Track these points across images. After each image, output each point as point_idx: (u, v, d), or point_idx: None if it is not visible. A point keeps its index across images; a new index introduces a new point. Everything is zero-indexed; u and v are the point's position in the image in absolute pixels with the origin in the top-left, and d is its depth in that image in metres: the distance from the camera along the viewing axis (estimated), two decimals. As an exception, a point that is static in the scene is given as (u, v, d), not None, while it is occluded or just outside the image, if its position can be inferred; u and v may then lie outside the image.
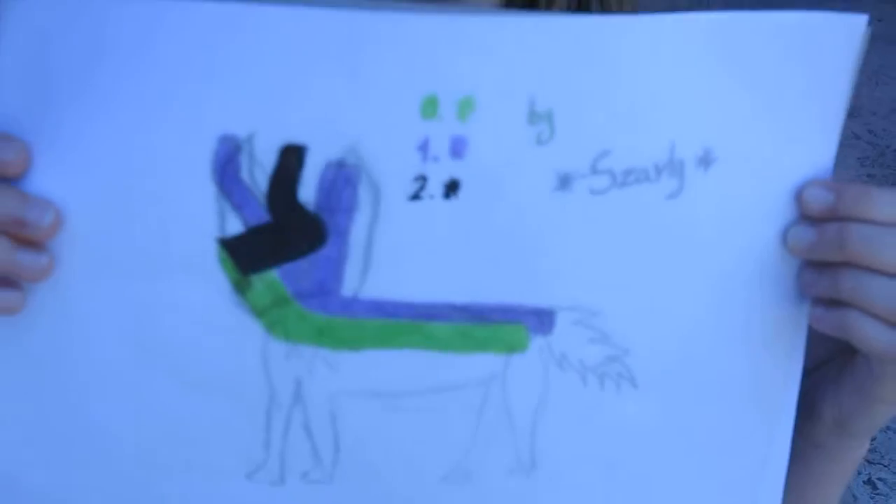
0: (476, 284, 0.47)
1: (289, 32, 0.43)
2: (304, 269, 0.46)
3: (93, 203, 0.44)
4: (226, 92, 0.43)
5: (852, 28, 0.48)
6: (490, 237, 0.47)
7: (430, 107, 0.44)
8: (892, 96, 3.10)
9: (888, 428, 1.88)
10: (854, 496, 1.74)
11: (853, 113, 3.11)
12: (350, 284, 0.46)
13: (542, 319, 0.48)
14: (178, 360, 0.47)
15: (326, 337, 0.47)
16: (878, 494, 1.76)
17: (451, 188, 0.46)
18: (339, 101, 0.43)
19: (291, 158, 0.44)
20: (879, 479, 1.78)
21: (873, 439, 1.83)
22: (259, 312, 0.46)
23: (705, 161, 0.47)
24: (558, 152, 0.46)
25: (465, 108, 0.44)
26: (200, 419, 0.48)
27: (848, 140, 2.87)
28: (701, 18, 0.46)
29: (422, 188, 0.45)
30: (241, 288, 0.46)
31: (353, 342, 0.47)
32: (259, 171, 0.44)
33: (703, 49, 0.46)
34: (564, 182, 0.46)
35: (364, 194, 0.45)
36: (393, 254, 0.46)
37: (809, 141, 0.49)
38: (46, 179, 0.44)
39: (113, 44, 0.42)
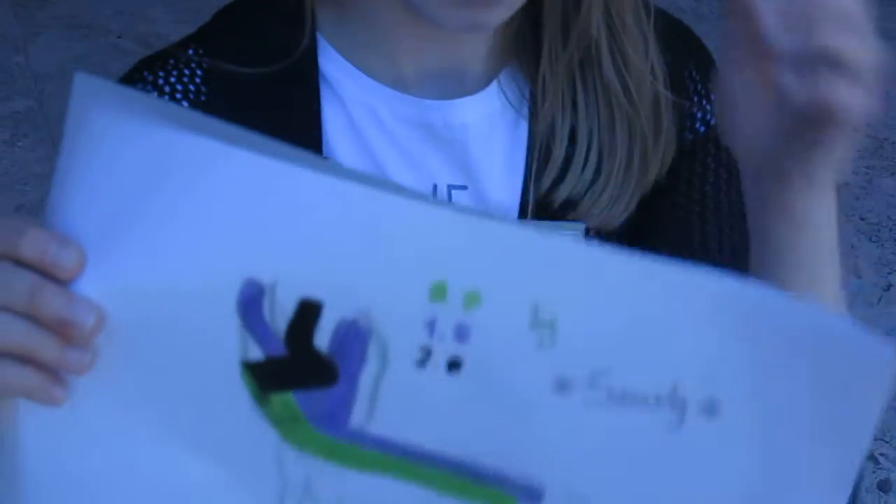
0: (472, 448, 0.50)
1: (320, 198, 0.46)
2: (317, 397, 0.49)
3: (136, 314, 0.48)
4: (256, 240, 0.47)
5: (879, 355, 0.47)
6: (486, 416, 0.49)
7: (439, 292, 0.47)
8: (889, 89, 3.15)
9: (891, 407, 1.95)
10: (857, 471, 1.81)
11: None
12: (357, 419, 0.49)
13: (530, 494, 0.50)
14: (204, 452, 0.51)
15: (335, 456, 0.50)
16: (879, 469, 1.82)
17: (454, 365, 0.48)
18: (358, 268, 0.47)
19: (309, 311, 0.48)
20: (881, 454, 1.85)
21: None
22: (276, 423, 0.50)
23: (709, 409, 0.48)
24: (558, 359, 0.48)
25: (471, 301, 0.47)
26: (223, 501, 0.52)
27: (846, 133, 2.89)
28: (726, 288, 0.47)
29: (427, 358, 0.48)
30: (260, 402, 0.49)
31: (357, 465, 0.50)
32: (280, 315, 0.48)
33: (716, 312, 0.47)
34: (562, 386, 0.48)
35: (373, 351, 0.48)
36: (397, 406, 0.49)
37: (830, 432, 0.49)
38: (96, 286, 0.47)
39: (167, 176, 0.47)
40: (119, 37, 3.34)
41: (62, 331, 0.47)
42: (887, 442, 1.87)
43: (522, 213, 0.69)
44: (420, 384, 0.48)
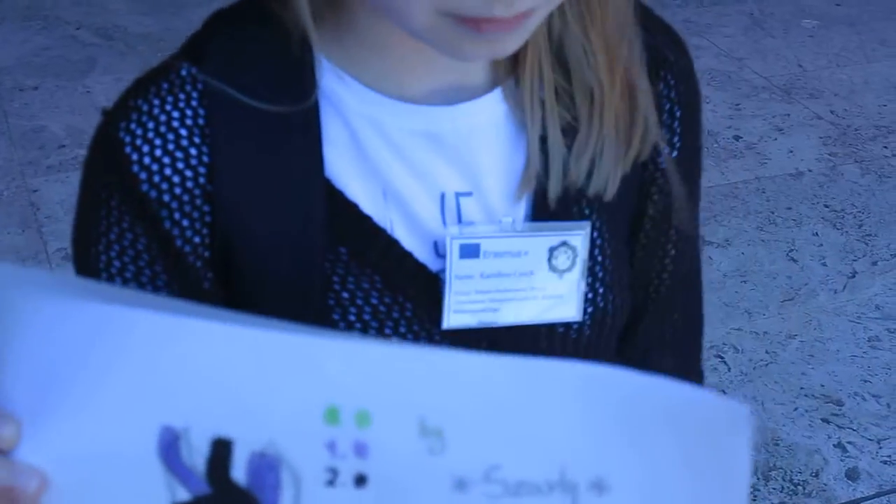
0: None
1: (214, 344, 0.51)
2: None
3: (73, 474, 0.52)
4: (166, 390, 0.51)
5: (736, 415, 0.52)
6: None
7: (332, 415, 0.51)
8: (852, 78, 3.18)
9: (855, 394, 1.96)
10: (825, 459, 1.82)
11: (815, 95, 3.19)
12: None
13: None
14: None
15: None
16: (847, 457, 1.83)
17: (360, 480, 0.52)
18: (257, 403, 0.51)
19: (221, 449, 0.52)
20: (849, 442, 1.86)
21: (842, 405, 1.89)
22: None
23: (598, 487, 0.52)
24: (451, 462, 0.51)
25: (363, 420, 0.51)
26: None
27: (810, 121, 2.94)
28: (591, 372, 0.52)
29: (335, 478, 0.52)
30: None
31: None
32: (197, 456, 0.52)
33: (588, 398, 0.51)
34: (460, 486, 0.52)
35: (286, 478, 0.52)
36: None
37: (710, 496, 0.53)
38: (35, 451, 0.52)
39: (84, 344, 0.52)
40: (78, 28, 3.30)
41: (8, 497, 0.51)
42: (855, 430, 1.89)
43: (528, 217, 0.69)
44: (335, 502, 0.52)
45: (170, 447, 0.52)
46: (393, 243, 0.67)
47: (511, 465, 0.51)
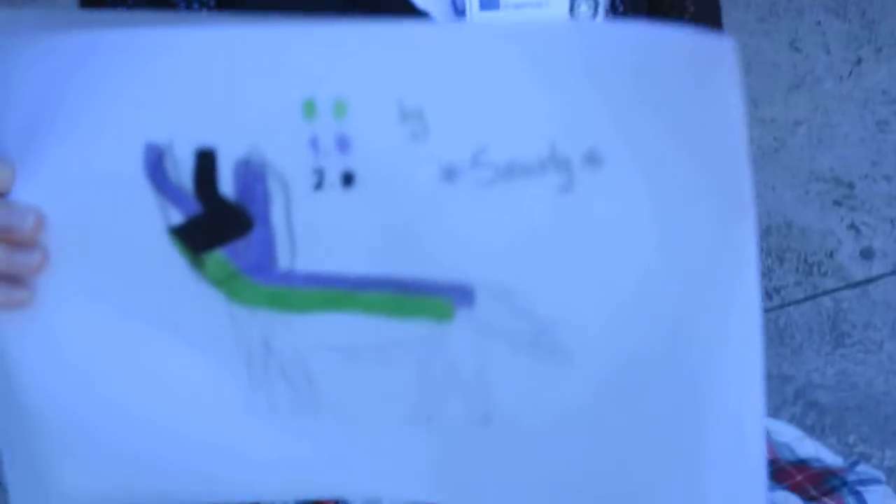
0: (392, 260, 0.51)
1: (186, 50, 0.49)
2: (242, 248, 0.52)
3: (70, 207, 0.52)
4: (145, 106, 0.50)
5: (721, 51, 0.46)
6: (392, 222, 0.50)
7: (309, 109, 0.48)
8: None
9: (866, 175, 1.93)
10: (839, 240, 1.80)
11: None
12: (284, 260, 0.52)
13: (462, 294, 0.51)
14: (166, 326, 0.54)
15: (277, 303, 0.53)
16: (861, 237, 1.81)
17: (348, 179, 0.50)
18: (235, 108, 0.49)
19: (206, 161, 0.50)
20: (862, 223, 1.83)
21: (853, 187, 1.86)
22: (217, 284, 0.53)
23: (592, 160, 0.48)
24: (436, 147, 0.48)
25: (340, 109, 0.48)
26: (194, 369, 0.55)
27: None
28: (568, 27, 0.49)
29: (322, 179, 0.50)
30: (196, 265, 0.52)
31: (297, 308, 0.53)
32: (184, 172, 0.50)
33: (573, 56, 0.47)
34: (449, 174, 0.49)
35: (274, 187, 0.50)
36: (313, 235, 0.51)
37: (707, 148, 0.48)
38: (31, 190, 0.52)
39: (65, 73, 0.50)
40: None
41: (7, 238, 0.52)
42: (867, 211, 1.86)
43: None
44: (325, 206, 0.50)
45: (156, 166, 0.50)
46: (407, 4, 0.64)
47: (499, 146, 0.48)
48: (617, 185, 0.48)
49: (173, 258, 0.52)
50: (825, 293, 1.72)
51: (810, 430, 1.48)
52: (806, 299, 1.73)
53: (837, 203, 1.88)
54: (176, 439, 0.56)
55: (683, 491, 0.54)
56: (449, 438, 0.55)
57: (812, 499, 0.84)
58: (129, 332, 0.54)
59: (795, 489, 0.85)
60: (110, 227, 0.52)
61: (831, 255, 1.79)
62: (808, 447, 0.90)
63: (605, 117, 0.47)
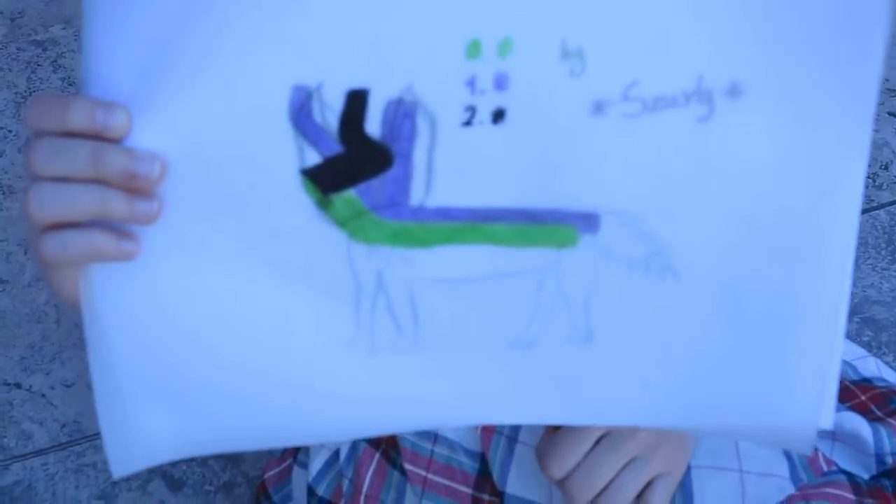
0: (527, 192, 0.53)
1: None
2: (376, 186, 0.53)
3: (191, 152, 0.51)
4: (294, 47, 0.50)
5: None
6: (536, 155, 0.52)
7: (474, 49, 0.50)
8: None
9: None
10: (894, 152, 1.76)
11: None
12: (416, 196, 0.53)
13: (588, 221, 0.54)
14: (278, 267, 0.54)
15: (400, 239, 0.54)
16: (893, 99, 1.77)
17: (499, 116, 0.51)
18: (394, 48, 0.50)
19: (357, 101, 0.51)
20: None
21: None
22: (341, 223, 0.54)
23: (733, 92, 0.51)
24: (591, 83, 0.51)
25: (505, 48, 0.50)
26: (301, 308, 0.55)
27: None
28: None
29: (472, 116, 0.51)
30: (323, 206, 0.53)
31: (423, 241, 0.54)
32: (329, 113, 0.51)
33: None
34: (598, 108, 0.51)
35: (422, 124, 0.51)
36: (452, 170, 0.52)
37: (846, 77, 0.51)
38: (148, 136, 0.51)
39: (193, 11, 0.49)
40: None
41: (130, 185, 0.50)
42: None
43: None
44: (470, 143, 0.52)
45: (301, 108, 0.51)
46: None
47: (649, 80, 0.51)
48: (753, 115, 0.51)
49: (299, 200, 0.53)
50: (880, 206, 1.68)
51: (867, 347, 1.46)
52: (861, 213, 1.70)
53: (892, 115, 1.84)
54: (270, 380, 0.57)
55: (770, 398, 0.58)
56: (550, 359, 0.58)
57: (876, 419, 0.82)
58: (235, 278, 0.55)
59: (858, 408, 0.84)
60: (234, 172, 0.52)
61: (886, 167, 1.75)
62: (870, 366, 0.89)
63: (753, 48, 0.50)
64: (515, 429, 0.78)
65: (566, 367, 0.58)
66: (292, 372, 0.57)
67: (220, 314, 0.55)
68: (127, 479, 1.34)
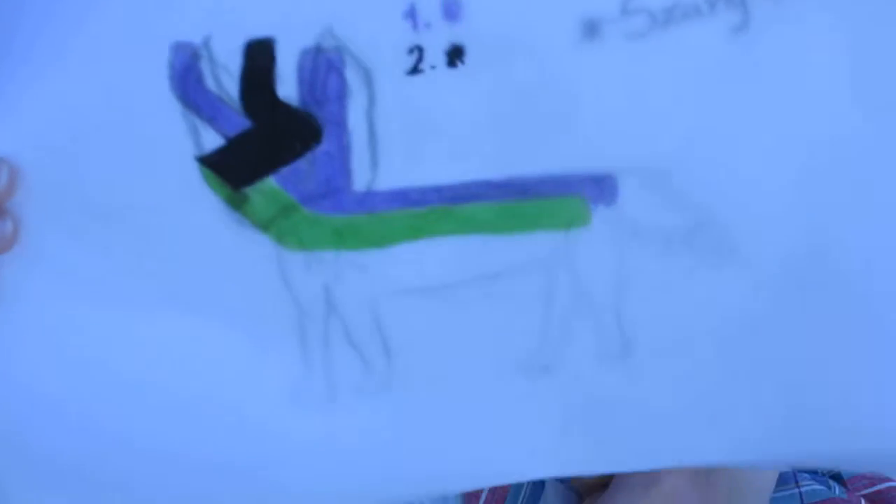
0: (511, 157, 0.43)
1: None
2: (304, 170, 0.43)
3: (53, 151, 0.43)
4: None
5: None
6: (514, 103, 0.42)
7: None
8: None
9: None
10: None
11: None
12: (361, 178, 0.43)
13: (601, 187, 0.43)
14: (189, 293, 0.45)
15: (346, 238, 0.44)
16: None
17: (455, 54, 0.42)
18: None
19: (259, 55, 0.42)
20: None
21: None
22: (263, 226, 0.44)
23: None
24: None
25: None
26: (229, 350, 0.46)
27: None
28: None
29: (420, 60, 0.42)
30: (235, 204, 0.44)
31: (377, 239, 0.44)
32: (226, 76, 0.42)
33: None
34: (591, 29, 0.42)
35: (353, 77, 0.42)
36: (402, 137, 0.43)
37: None
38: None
39: None
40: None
41: None
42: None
43: None
44: (421, 94, 0.42)
45: (186, 73, 0.42)
46: None
47: None
48: (804, 17, 0.41)
49: (202, 199, 0.43)
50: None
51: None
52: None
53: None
54: (185, 457, 0.47)
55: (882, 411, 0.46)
56: (577, 385, 0.46)
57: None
58: (125, 316, 0.45)
59: None
60: (111, 173, 0.43)
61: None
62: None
63: None
64: (539, 486, 0.67)
65: (600, 394, 0.46)
66: (218, 443, 0.47)
67: (105, 368, 0.45)
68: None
